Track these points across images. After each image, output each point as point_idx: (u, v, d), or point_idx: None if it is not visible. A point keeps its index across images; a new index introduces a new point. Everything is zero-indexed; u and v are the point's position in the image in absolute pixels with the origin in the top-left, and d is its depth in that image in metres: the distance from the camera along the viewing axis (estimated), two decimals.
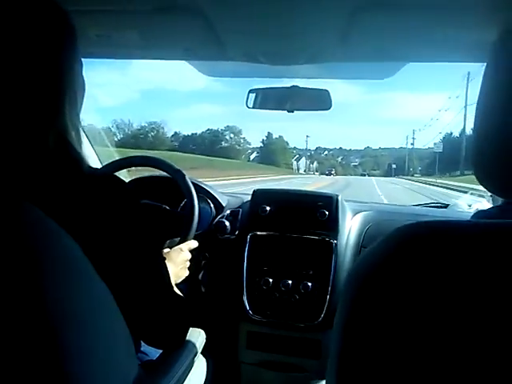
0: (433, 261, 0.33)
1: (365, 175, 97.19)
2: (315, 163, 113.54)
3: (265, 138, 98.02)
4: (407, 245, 0.35)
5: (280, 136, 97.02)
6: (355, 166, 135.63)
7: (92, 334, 0.51)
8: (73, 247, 0.52)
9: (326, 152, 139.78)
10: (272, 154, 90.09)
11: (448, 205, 2.11)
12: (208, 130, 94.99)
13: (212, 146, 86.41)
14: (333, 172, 76.77)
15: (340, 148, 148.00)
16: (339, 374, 0.36)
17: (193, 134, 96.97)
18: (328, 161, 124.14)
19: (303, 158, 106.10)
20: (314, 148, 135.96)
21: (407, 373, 0.32)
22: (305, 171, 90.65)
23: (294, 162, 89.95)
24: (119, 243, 0.71)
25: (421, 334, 0.32)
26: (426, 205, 2.15)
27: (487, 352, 0.31)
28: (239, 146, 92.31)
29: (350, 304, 0.37)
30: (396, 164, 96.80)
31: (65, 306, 0.47)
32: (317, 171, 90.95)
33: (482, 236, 0.34)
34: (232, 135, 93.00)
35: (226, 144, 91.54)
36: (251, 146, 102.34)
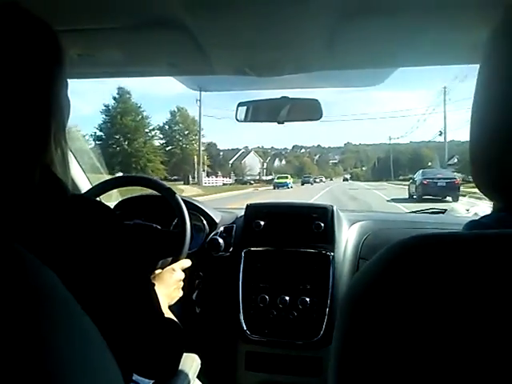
0: (427, 274, 0.33)
1: (347, 179, 70.75)
2: (277, 162, 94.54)
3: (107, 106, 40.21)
4: (398, 261, 0.35)
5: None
6: (334, 163, 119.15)
7: (78, 371, 0.47)
8: (58, 285, 0.50)
9: (303, 150, 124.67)
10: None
11: (445, 210, 2.08)
12: None
13: None
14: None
15: (318, 146, 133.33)
16: None
17: None
18: (299, 158, 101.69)
19: (252, 154, 78.19)
20: (291, 146, 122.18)
21: None
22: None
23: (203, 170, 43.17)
24: (103, 271, 0.68)
25: (421, 350, 0.31)
26: (422, 211, 2.12)
27: (487, 371, 0.30)
28: None
29: (348, 320, 0.37)
30: (380, 163, 74.24)
31: (51, 347, 0.44)
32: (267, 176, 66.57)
33: (475, 248, 0.34)
34: None
35: None
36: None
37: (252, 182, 55.41)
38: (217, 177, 52.34)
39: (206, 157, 49.20)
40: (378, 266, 0.37)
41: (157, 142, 46.08)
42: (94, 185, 1.55)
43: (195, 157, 42.97)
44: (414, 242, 0.37)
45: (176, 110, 48.99)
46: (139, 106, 40.74)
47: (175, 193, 1.40)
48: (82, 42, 1.04)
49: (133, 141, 38.61)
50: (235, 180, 54.21)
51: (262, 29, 0.97)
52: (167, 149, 47.22)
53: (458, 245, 0.35)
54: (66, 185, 0.67)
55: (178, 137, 48.41)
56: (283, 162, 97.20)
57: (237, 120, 1.53)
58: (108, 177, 1.79)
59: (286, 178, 41.08)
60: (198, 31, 0.97)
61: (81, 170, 1.72)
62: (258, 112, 1.54)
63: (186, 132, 48.35)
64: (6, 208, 0.60)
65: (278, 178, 42.25)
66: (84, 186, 1.70)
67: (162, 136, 47.71)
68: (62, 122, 0.69)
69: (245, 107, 1.51)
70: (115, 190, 1.57)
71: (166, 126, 48.52)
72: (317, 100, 1.42)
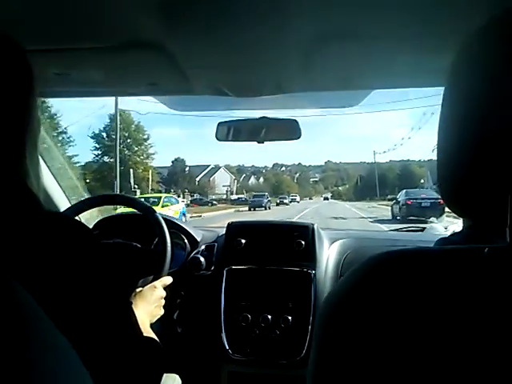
0: (396, 286, 0.35)
1: (327, 198, 71.42)
2: (252, 179, 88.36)
3: None
4: (368, 276, 0.37)
5: None
6: (315, 182, 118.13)
7: None
8: (31, 304, 0.50)
9: (284, 168, 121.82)
10: None
11: (424, 228, 2.12)
12: None
13: None
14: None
15: (299, 164, 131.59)
16: None
17: None
18: (277, 176, 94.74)
19: (222, 170, 68.74)
20: (271, 165, 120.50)
21: None
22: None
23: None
24: (78, 291, 0.67)
25: (392, 359, 0.33)
26: (402, 229, 2.15)
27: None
28: None
29: (323, 332, 0.38)
30: (363, 181, 71.41)
31: (29, 368, 0.44)
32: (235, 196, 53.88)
33: (437, 261, 0.36)
34: None
35: None
36: None
37: (215, 202, 44.83)
38: None
39: (151, 171, 39.49)
40: (351, 280, 0.39)
41: (90, 154, 37.53)
42: (72, 204, 1.54)
43: (140, 171, 36.66)
44: (383, 257, 0.39)
45: None
46: (43, 101, 31.99)
47: (155, 211, 1.40)
48: (59, 61, 1.04)
49: None
50: (191, 201, 42.33)
51: (239, 51, 1.00)
52: (103, 161, 37.68)
53: (422, 259, 0.37)
54: (39, 200, 0.67)
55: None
56: (261, 179, 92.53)
57: (217, 139, 1.54)
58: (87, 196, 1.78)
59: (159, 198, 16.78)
60: (177, 52, 0.99)
61: (60, 188, 1.71)
62: (238, 132, 1.56)
63: (129, 141, 39.27)
64: None
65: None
66: (63, 204, 1.68)
67: (97, 146, 38.30)
68: (35, 139, 0.70)
69: (225, 127, 1.53)
70: (95, 210, 1.56)
71: (104, 134, 38.39)
72: (295, 120, 1.45)
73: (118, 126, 27.99)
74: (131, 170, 28.79)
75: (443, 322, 0.33)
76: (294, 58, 1.02)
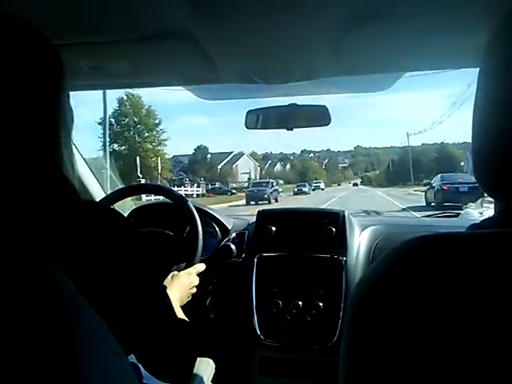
0: (427, 273, 0.35)
1: (357, 184, 65.98)
2: (278, 166, 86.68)
3: None
4: (400, 262, 0.37)
5: None
6: (344, 167, 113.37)
7: (91, 379, 0.49)
8: (75, 293, 0.51)
9: (311, 154, 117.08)
10: None
11: (459, 214, 2.07)
12: None
13: None
14: None
15: (328, 150, 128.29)
16: None
17: None
18: (303, 162, 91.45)
19: (245, 157, 65.13)
20: (300, 151, 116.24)
21: None
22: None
23: None
24: (115, 276, 0.69)
25: (424, 347, 0.32)
26: (436, 215, 2.11)
27: (484, 373, 0.31)
28: None
29: (354, 319, 0.38)
30: (395, 165, 68.05)
31: (72, 356, 0.45)
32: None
33: (469, 246, 0.35)
34: None
35: None
36: None
37: (234, 191, 39.94)
38: (179, 186, 35.19)
39: (160, 158, 35.75)
40: (383, 266, 0.39)
41: (98, 141, 32.94)
42: (107, 194, 1.58)
43: (150, 159, 33.82)
44: (415, 242, 0.38)
45: (125, 97, 35.38)
46: None
47: (187, 200, 1.43)
48: (93, 54, 1.07)
49: None
50: (207, 190, 37.99)
51: (267, 37, 0.99)
52: (113, 149, 33.96)
53: (453, 243, 0.36)
54: (75, 189, 0.69)
55: (126, 133, 35.64)
56: (287, 166, 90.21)
57: (246, 127, 1.55)
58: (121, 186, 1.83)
59: None
60: (205, 41, 0.99)
61: (94, 178, 1.76)
62: (267, 119, 1.56)
63: (139, 126, 36.09)
64: (18, 210, 0.62)
65: None
66: (98, 194, 1.73)
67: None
68: (68, 128, 0.72)
69: (254, 115, 1.53)
70: (129, 199, 1.61)
71: (112, 120, 34.87)
72: (325, 106, 1.44)
73: (108, 118, 26.13)
74: (137, 158, 27.47)
75: (475, 306, 0.32)
76: (324, 43, 1.00)
